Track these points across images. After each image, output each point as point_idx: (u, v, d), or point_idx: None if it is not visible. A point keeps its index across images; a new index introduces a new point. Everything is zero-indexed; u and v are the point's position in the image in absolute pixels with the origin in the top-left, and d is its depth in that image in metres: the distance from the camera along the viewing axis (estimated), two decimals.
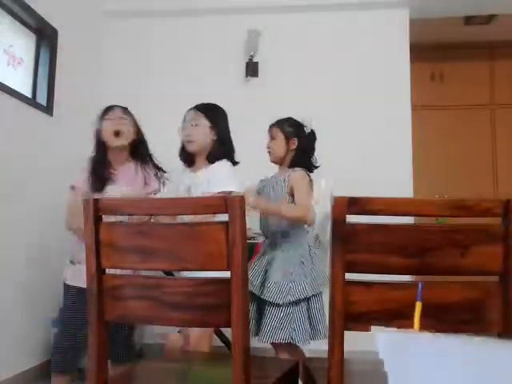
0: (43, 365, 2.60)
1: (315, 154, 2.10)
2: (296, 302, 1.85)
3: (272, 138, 2.09)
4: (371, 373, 1.28)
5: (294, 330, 1.83)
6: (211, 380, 1.25)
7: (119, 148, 2.06)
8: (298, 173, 2.00)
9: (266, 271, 1.92)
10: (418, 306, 0.79)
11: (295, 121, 2.11)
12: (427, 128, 4.09)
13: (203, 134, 2.02)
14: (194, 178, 2.00)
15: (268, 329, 1.84)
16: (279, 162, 2.10)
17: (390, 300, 0.98)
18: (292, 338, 1.82)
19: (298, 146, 2.05)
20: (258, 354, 1.54)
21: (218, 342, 2.86)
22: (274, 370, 1.27)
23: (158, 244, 1.04)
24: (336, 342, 1.01)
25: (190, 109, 2.13)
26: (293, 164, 2.06)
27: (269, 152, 2.11)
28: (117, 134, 2.02)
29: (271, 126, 2.13)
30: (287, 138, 2.05)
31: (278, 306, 1.84)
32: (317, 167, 2.10)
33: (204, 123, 2.04)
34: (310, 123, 2.10)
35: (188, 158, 2.10)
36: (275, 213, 1.93)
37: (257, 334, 1.91)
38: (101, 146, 2.05)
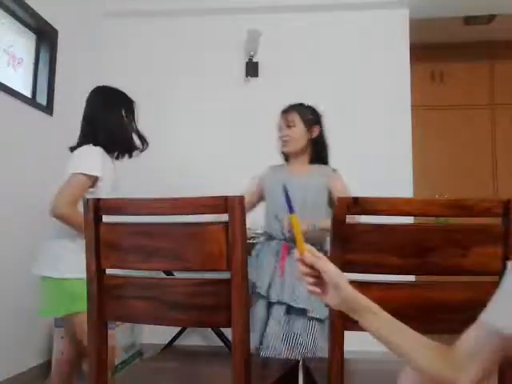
0: (43, 365, 2.60)
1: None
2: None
3: (289, 125, 1.82)
4: (371, 373, 1.28)
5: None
6: (211, 380, 1.24)
7: None
8: (339, 179, 1.79)
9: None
10: (295, 219, 0.82)
11: (312, 107, 1.89)
12: (427, 128, 4.09)
13: None
14: None
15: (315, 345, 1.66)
16: (297, 153, 1.85)
17: (390, 300, 0.98)
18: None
19: (319, 135, 1.83)
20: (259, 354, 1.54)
21: (218, 342, 2.87)
22: (273, 369, 1.27)
23: (158, 244, 1.04)
24: (336, 342, 1.01)
25: None
26: (315, 158, 1.84)
27: (285, 141, 1.83)
28: None
29: (286, 111, 1.86)
30: (308, 126, 1.81)
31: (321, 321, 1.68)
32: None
33: None
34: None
35: None
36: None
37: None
38: None
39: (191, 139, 3.29)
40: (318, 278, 0.80)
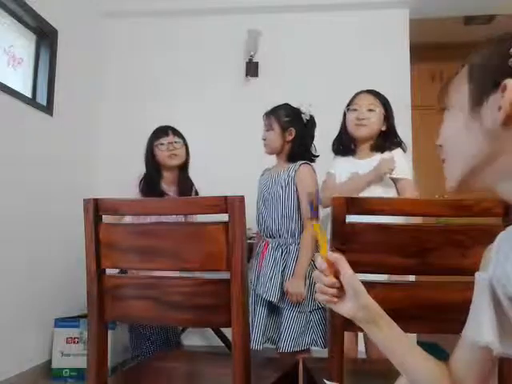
0: (43, 365, 2.60)
1: (314, 141, 2.03)
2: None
3: (268, 128, 1.99)
4: (371, 373, 1.28)
5: (316, 334, 1.78)
6: (211, 380, 1.24)
7: None
8: (303, 172, 1.90)
9: (282, 276, 1.80)
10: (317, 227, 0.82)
11: (292, 108, 2.02)
12: (427, 128, 4.08)
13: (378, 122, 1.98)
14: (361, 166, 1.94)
15: (290, 337, 1.76)
16: (276, 153, 2.02)
17: (390, 300, 0.98)
18: (316, 343, 1.78)
19: (295, 136, 1.96)
20: (258, 354, 1.54)
21: (218, 342, 2.87)
22: (273, 370, 1.27)
23: (157, 244, 1.04)
24: (336, 342, 1.01)
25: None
26: (291, 156, 1.97)
27: (265, 144, 2.02)
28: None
29: (267, 115, 2.02)
30: (283, 129, 1.96)
31: (300, 312, 1.78)
32: (316, 157, 2.01)
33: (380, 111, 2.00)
34: (308, 109, 2.02)
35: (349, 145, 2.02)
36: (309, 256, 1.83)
37: (271, 341, 1.82)
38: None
39: (191, 139, 3.28)
40: (336, 288, 0.76)
